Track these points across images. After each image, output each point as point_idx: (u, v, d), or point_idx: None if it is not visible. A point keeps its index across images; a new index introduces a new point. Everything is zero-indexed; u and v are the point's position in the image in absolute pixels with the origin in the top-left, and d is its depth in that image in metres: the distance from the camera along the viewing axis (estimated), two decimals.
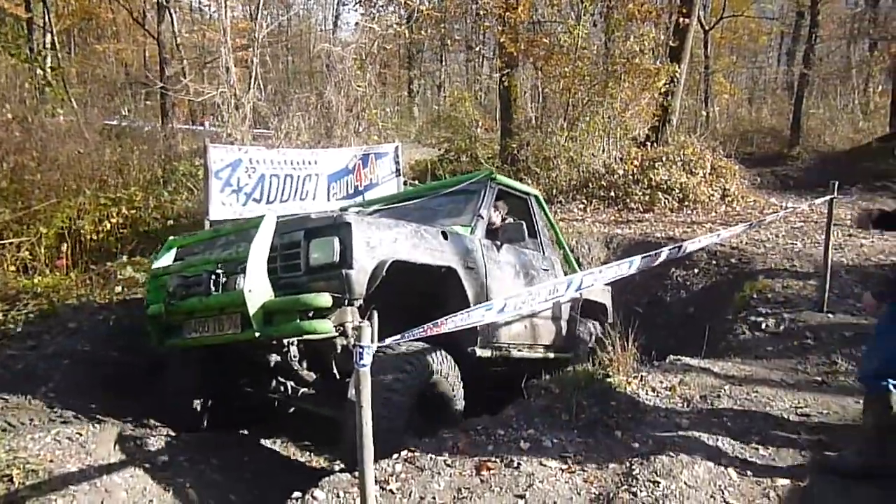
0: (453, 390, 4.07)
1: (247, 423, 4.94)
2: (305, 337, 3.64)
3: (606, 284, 6.33)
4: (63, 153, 7.03)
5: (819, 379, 4.80)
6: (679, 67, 13.36)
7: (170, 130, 13.38)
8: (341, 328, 3.65)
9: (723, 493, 3.19)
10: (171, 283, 4.13)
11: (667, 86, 13.03)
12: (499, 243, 4.95)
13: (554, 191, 12.56)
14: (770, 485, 3.31)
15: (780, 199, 13.36)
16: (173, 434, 4.18)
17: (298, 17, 28.54)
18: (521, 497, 3.09)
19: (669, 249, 4.57)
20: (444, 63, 28.94)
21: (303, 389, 4.41)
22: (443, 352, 4.02)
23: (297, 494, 2.97)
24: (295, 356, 3.97)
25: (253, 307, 3.54)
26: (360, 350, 2.06)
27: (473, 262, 4.52)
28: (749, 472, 3.41)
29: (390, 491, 3.08)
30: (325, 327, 3.52)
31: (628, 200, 11.94)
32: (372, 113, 10.45)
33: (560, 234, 6.78)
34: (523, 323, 5.09)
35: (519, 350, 5.06)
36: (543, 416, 3.88)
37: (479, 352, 4.51)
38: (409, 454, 3.40)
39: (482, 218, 4.96)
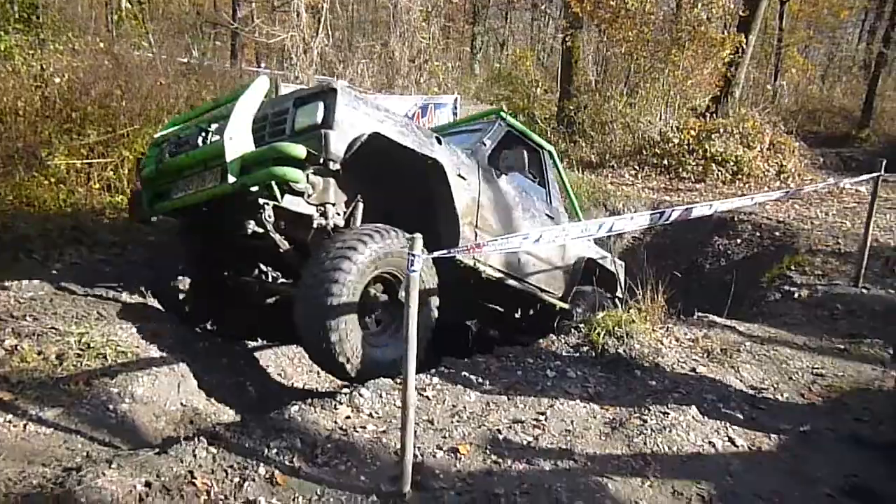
0: (425, 287, 3.93)
1: (227, 315, 4.98)
2: (283, 205, 3.67)
3: (621, 260, 6.69)
4: (145, 84, 7.54)
5: (842, 346, 4.99)
6: (747, 38, 13.14)
7: (238, 70, 13.89)
8: (322, 209, 3.85)
9: (727, 430, 3.50)
10: (167, 146, 4.26)
11: (731, 56, 12.87)
12: (499, 171, 5.01)
13: (607, 155, 12.70)
14: (774, 428, 3.60)
15: (839, 180, 13.16)
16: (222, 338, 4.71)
17: None
18: (542, 414, 3.46)
19: (700, 206, 4.75)
20: (508, 20, 28.70)
21: (282, 280, 4.56)
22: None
23: (345, 391, 3.40)
24: (270, 217, 3.75)
25: (231, 155, 3.64)
26: (412, 258, 2.43)
27: (467, 174, 4.56)
28: (756, 416, 3.72)
29: (427, 397, 3.48)
30: (296, 175, 3.55)
31: (681, 170, 11.99)
32: (434, 65, 10.69)
33: (572, 194, 6.86)
34: (517, 256, 5.17)
35: (507, 278, 5.10)
36: (571, 352, 4.23)
37: (460, 256, 4.40)
38: (446, 370, 3.81)
39: (483, 145, 5.04)
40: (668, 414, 3.50)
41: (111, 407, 3.25)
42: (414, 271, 2.44)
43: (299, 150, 3.53)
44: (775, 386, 4.14)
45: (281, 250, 3.98)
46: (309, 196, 3.79)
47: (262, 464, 2.73)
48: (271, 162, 3.55)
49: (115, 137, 6.76)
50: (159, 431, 3.33)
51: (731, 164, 11.92)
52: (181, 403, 3.61)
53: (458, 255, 4.25)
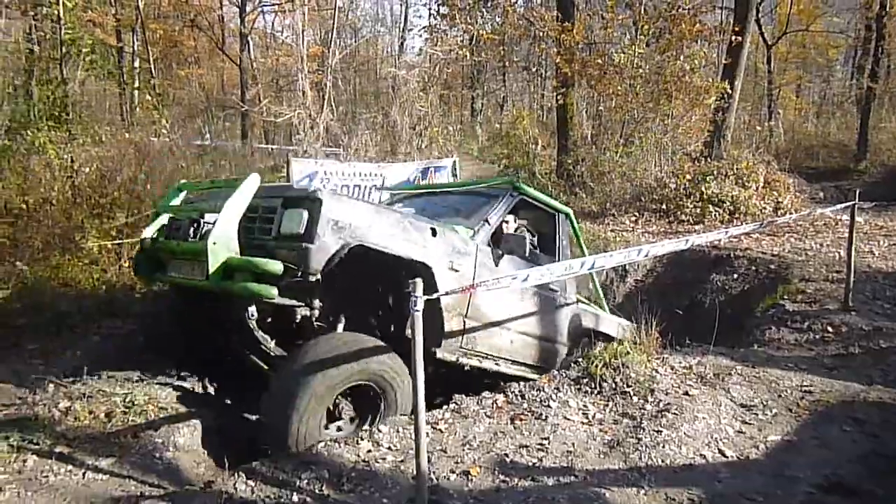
0: (395, 389, 3.98)
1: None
2: (274, 301, 3.66)
3: (621, 317, 6.45)
4: (166, 168, 8.14)
5: (831, 365, 5.29)
6: (732, 84, 13.73)
7: (249, 149, 14.65)
8: (307, 299, 3.90)
9: (717, 443, 3.81)
10: (167, 224, 4.48)
11: (718, 102, 13.44)
12: (500, 252, 4.82)
13: (607, 204, 13.14)
14: (762, 439, 3.90)
15: (836, 213, 13.51)
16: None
17: (367, 41, 29.96)
18: (546, 439, 3.79)
19: (675, 241, 5.13)
20: (505, 82, 29.79)
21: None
22: (392, 354, 4.00)
23: (365, 427, 3.76)
24: (253, 315, 3.87)
25: (213, 262, 3.65)
26: (415, 299, 2.83)
27: (461, 265, 4.45)
28: (745, 430, 4.02)
29: (439, 430, 3.83)
30: (270, 293, 3.56)
31: (679, 213, 12.36)
32: (434, 131, 11.31)
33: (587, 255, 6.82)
34: (510, 337, 4.96)
35: (495, 363, 4.92)
36: (571, 384, 4.56)
37: (441, 354, 4.41)
38: (456, 406, 4.15)
39: (489, 224, 4.88)
40: (661, 432, 3.82)
41: (157, 455, 3.64)
42: (418, 311, 2.84)
43: (275, 267, 3.56)
44: (764, 403, 4.43)
45: (264, 347, 4.06)
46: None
47: (294, 493, 3.08)
48: (250, 276, 3.60)
49: (141, 219, 7.29)
50: (200, 476, 3.69)
51: (728, 204, 12.29)
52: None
53: (439, 352, 4.37)
